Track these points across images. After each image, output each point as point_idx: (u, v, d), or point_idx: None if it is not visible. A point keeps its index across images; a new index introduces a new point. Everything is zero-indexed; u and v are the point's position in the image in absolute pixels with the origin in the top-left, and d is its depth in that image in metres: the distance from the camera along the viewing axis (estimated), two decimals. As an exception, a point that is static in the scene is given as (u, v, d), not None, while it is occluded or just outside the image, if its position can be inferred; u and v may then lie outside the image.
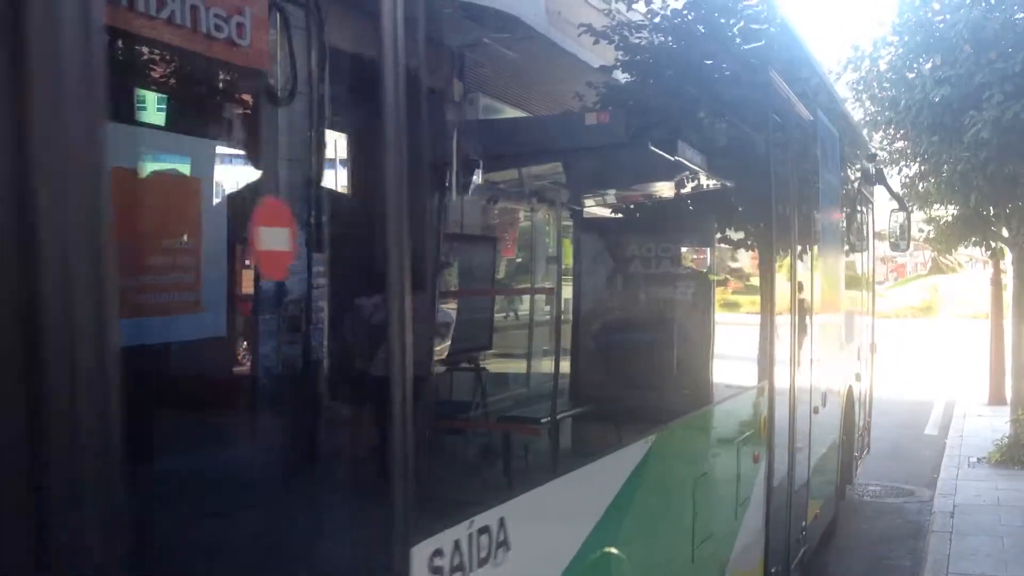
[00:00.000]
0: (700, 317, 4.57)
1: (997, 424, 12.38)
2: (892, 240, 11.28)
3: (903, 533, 8.69)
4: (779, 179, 5.35)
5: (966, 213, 11.55)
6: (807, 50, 6.43)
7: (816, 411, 6.51)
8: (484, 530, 2.35)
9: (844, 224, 8.39)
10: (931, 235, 12.74)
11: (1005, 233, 11.79)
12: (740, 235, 5.26)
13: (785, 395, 5.46)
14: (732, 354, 4.86)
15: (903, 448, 12.36)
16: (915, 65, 10.92)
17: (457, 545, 2.23)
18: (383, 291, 1.99)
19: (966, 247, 13.42)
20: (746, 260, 5.31)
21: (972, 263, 45.91)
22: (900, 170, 11.88)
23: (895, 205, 10.80)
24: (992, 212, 11.42)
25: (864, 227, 9.68)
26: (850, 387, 8.42)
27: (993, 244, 12.41)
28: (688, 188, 4.29)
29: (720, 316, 4.73)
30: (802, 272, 6.07)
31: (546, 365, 3.24)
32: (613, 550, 3.14)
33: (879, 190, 10.32)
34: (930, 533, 8.19)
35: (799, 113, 5.90)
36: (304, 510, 2.03)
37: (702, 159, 4.16)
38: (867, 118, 11.83)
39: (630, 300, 4.10)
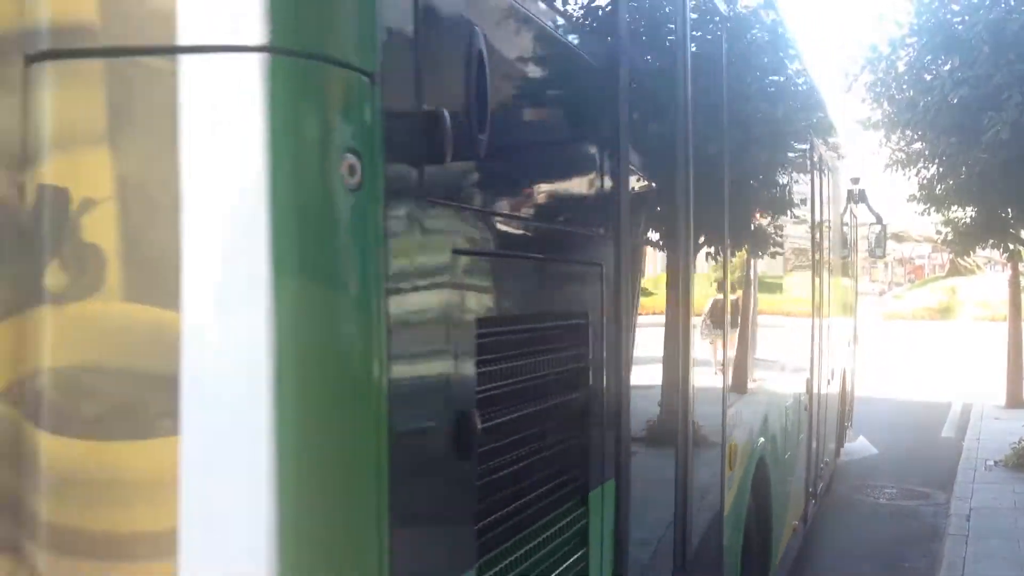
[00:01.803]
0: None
1: (1014, 427, 12.25)
2: (868, 248, 12.72)
3: (919, 536, 8.61)
4: (816, 212, 7.48)
5: (984, 215, 11.41)
6: (828, 110, 8.45)
7: (828, 383, 8.58)
8: (736, 411, 4.52)
9: (844, 238, 10.54)
10: (949, 237, 12.58)
11: (1023, 235, 11.64)
12: (799, 258, 7.25)
13: (818, 367, 7.60)
14: (794, 337, 6.95)
15: (919, 450, 12.25)
16: (933, 66, 10.78)
17: (729, 414, 4.32)
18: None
19: (984, 249, 13.27)
20: (792, 274, 7.21)
21: (991, 265, 45.57)
22: (918, 171, 11.74)
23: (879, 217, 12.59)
24: (1010, 214, 11.27)
25: (851, 239, 11.65)
26: (844, 370, 10.44)
27: (1011, 246, 12.24)
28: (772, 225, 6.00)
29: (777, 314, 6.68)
30: (826, 281, 8.21)
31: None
32: (762, 439, 5.27)
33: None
34: (946, 536, 8.16)
35: (826, 161, 8.09)
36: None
37: (778, 201, 5.96)
38: (884, 119, 11.69)
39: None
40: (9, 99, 1.34)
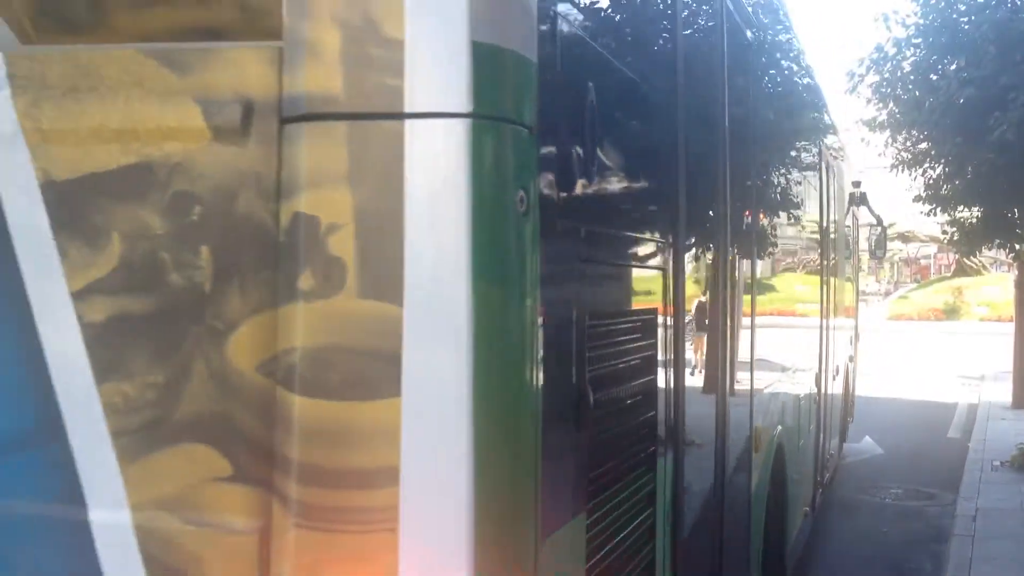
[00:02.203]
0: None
1: (1021, 428, 12.39)
2: (869, 249, 13.26)
3: (924, 537, 8.70)
4: (824, 217, 8.17)
5: (990, 215, 11.50)
6: (833, 116, 9.17)
7: (834, 378, 9.07)
8: (759, 400, 4.98)
9: (847, 241, 11.10)
10: (955, 237, 12.67)
11: (1030, 236, 11.74)
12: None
13: (825, 363, 8.19)
14: (805, 334, 7.51)
15: (925, 451, 12.36)
16: (940, 67, 10.88)
17: (754, 402, 4.83)
18: None
19: (990, 249, 13.35)
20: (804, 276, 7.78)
21: (996, 265, 45.50)
22: (924, 172, 11.83)
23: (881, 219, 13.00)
24: (1016, 214, 11.36)
25: (854, 240, 12.23)
26: (847, 365, 10.98)
27: (1017, 246, 12.34)
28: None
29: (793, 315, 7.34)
30: (832, 282, 8.77)
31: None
32: (780, 427, 5.79)
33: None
34: (952, 537, 8.25)
35: (832, 168, 8.80)
36: None
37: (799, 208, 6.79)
38: (890, 120, 11.78)
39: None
40: (266, 150, 1.88)
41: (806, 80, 7.10)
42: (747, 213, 4.68)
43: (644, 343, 2.90)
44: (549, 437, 2.04)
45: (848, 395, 11.45)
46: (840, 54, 30.64)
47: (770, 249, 5.66)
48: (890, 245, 13.34)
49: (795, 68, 6.68)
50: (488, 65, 1.82)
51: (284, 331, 1.84)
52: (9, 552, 2.01)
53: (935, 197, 11.94)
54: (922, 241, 50.76)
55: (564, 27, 2.21)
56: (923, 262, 61.46)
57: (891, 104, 11.77)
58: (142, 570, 1.92)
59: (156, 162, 1.91)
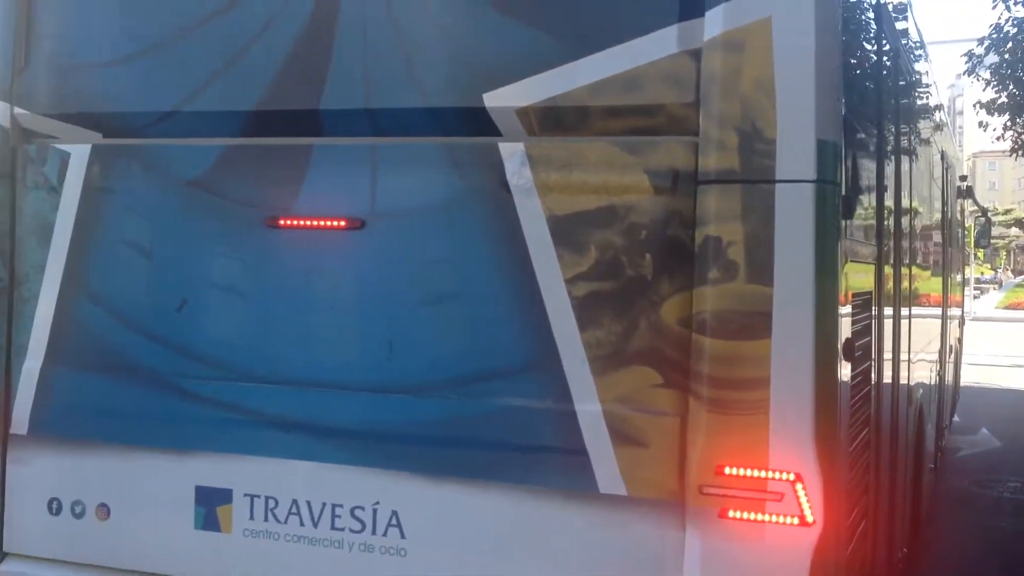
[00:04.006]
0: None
1: None
2: (976, 239, 14.41)
3: (1044, 533, 8.39)
4: (944, 211, 9.65)
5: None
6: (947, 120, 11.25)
7: (949, 354, 10.78)
8: (912, 367, 6.16)
9: (957, 233, 12.83)
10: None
11: None
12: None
13: (945, 341, 9.70)
14: (933, 317, 8.79)
15: (1044, 445, 11.87)
16: (1064, 47, 10.43)
17: (912, 367, 6.13)
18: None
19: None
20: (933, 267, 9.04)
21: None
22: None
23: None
24: None
25: (962, 231, 13.86)
26: (956, 346, 12.74)
27: None
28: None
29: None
30: (949, 270, 10.15)
31: None
32: (920, 391, 6.88)
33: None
34: (1073, 534, 7.88)
35: (951, 167, 10.27)
36: None
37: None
38: (1010, 102, 11.33)
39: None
40: (687, 199, 3.32)
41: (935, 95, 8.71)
42: (914, 220, 6.11)
43: (866, 314, 4.21)
44: (844, 365, 3.51)
45: (958, 372, 13.06)
46: (960, 34, 29.54)
47: (920, 247, 7.00)
48: (1008, 232, 13.22)
49: (935, 93, 8.26)
50: (822, 151, 3.24)
51: (698, 302, 3.32)
52: (531, 431, 3.52)
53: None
54: (1043, 227, 48.45)
55: (847, 122, 3.56)
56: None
57: (1011, 86, 11.32)
58: (608, 439, 3.39)
59: (619, 205, 3.39)
